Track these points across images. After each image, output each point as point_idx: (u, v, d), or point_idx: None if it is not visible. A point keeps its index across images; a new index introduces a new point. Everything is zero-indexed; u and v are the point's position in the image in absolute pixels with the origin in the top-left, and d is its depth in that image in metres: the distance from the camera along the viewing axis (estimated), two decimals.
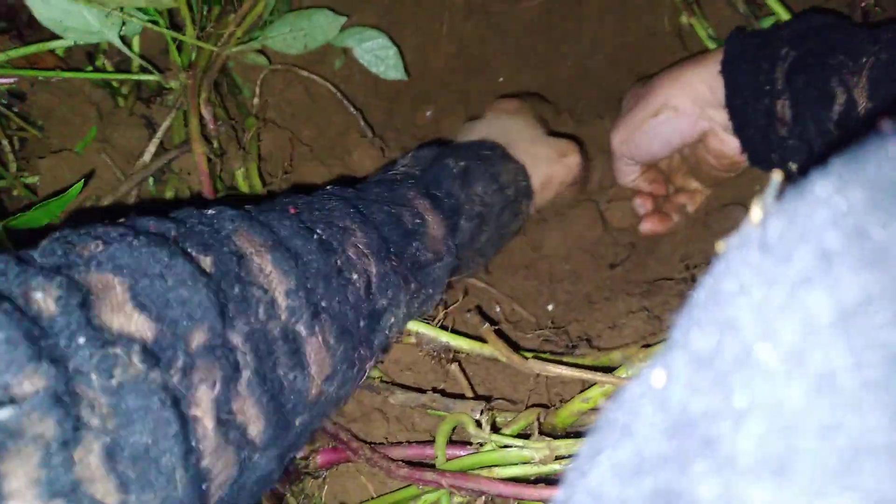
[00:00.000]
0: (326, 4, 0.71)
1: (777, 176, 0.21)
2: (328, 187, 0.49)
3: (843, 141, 0.51)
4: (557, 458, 0.46)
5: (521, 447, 0.46)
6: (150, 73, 0.66)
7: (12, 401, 0.27)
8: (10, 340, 0.28)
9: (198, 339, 0.34)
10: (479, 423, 0.49)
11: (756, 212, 0.21)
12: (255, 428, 0.36)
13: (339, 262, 0.43)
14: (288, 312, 0.39)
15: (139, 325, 0.32)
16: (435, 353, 0.58)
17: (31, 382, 0.28)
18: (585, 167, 0.72)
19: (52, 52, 0.66)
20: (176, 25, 0.68)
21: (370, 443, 0.54)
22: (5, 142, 0.63)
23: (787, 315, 0.19)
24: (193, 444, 0.32)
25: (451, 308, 0.62)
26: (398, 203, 0.52)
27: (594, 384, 0.49)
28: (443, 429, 0.50)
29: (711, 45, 0.73)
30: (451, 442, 0.52)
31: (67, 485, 0.28)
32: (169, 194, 0.63)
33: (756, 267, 0.20)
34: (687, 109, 0.62)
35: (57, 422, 0.28)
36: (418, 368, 0.61)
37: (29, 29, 0.66)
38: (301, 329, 0.39)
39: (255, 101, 0.70)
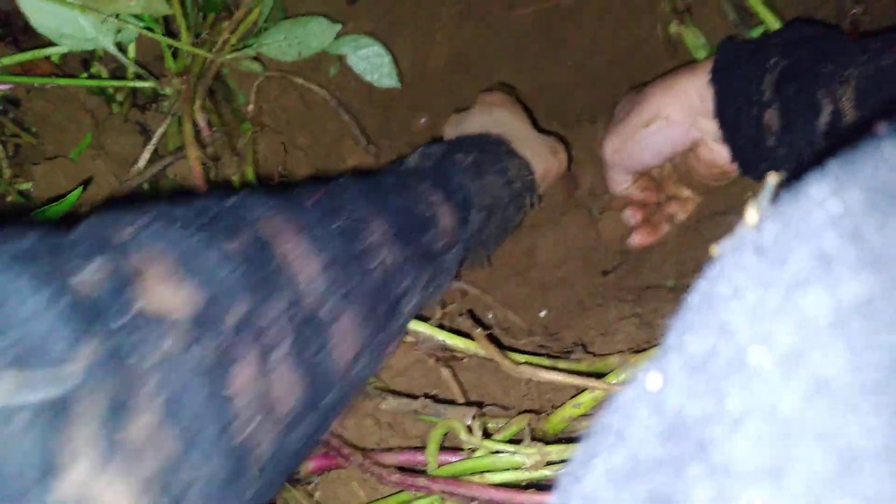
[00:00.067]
0: (321, 12, 0.71)
1: (772, 179, 0.21)
2: (341, 178, 0.50)
3: (830, 150, 0.51)
4: (548, 463, 0.45)
5: (513, 453, 0.46)
6: (145, 79, 0.66)
7: (64, 374, 0.27)
8: (60, 315, 0.28)
9: (235, 316, 0.34)
10: (470, 429, 0.49)
11: (751, 214, 0.21)
12: (290, 403, 0.37)
13: (359, 248, 0.44)
14: (316, 294, 0.39)
15: (179, 302, 0.33)
16: (431, 353, 0.58)
17: (82, 356, 0.28)
18: (569, 163, 0.72)
19: (47, 58, 0.65)
20: (172, 33, 0.67)
21: (362, 449, 0.53)
22: None
23: (783, 318, 0.18)
24: (233, 417, 0.33)
25: (447, 309, 0.61)
26: (412, 194, 0.53)
27: (585, 390, 0.49)
28: (434, 435, 0.49)
29: (700, 54, 0.73)
30: (443, 448, 0.51)
31: (127, 446, 0.28)
32: None
33: (751, 269, 0.20)
34: (678, 119, 0.62)
35: (109, 393, 0.28)
36: (411, 374, 0.61)
37: (24, 35, 0.66)
38: (328, 311, 0.40)
39: (250, 107, 0.69)
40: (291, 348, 0.37)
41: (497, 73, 0.82)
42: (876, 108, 0.47)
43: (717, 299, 0.20)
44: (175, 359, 0.31)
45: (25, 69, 0.65)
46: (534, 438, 0.49)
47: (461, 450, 0.50)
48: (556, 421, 0.49)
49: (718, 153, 0.62)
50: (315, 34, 0.69)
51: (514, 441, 0.48)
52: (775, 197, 0.21)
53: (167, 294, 0.32)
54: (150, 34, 0.63)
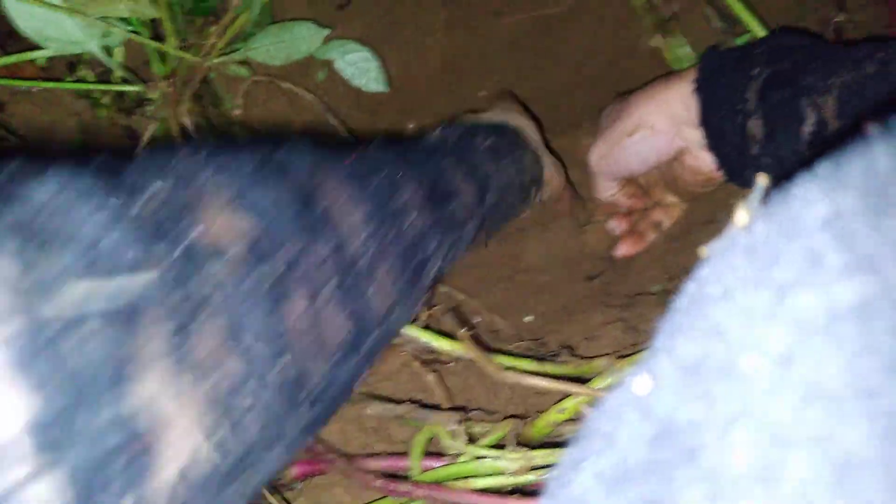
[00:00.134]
0: (309, 17, 0.70)
1: (762, 180, 0.20)
2: (375, 141, 0.50)
3: (817, 155, 0.51)
4: (532, 468, 0.45)
5: (496, 458, 0.45)
6: (132, 83, 0.65)
7: (132, 285, 0.27)
8: (127, 228, 0.28)
9: (287, 253, 0.34)
10: (454, 435, 0.48)
11: (741, 216, 0.20)
12: (337, 341, 0.37)
13: (394, 206, 0.44)
14: (356, 244, 0.40)
15: (235, 232, 0.33)
16: (417, 355, 0.57)
17: (149, 269, 0.28)
18: (567, 189, 0.72)
19: (32, 62, 0.64)
20: (159, 37, 0.66)
21: (346, 454, 0.52)
22: None
23: (775, 320, 0.18)
24: (287, 346, 0.33)
25: (433, 310, 0.61)
26: (438, 165, 0.54)
27: (570, 395, 0.48)
28: (418, 440, 0.49)
29: (682, 65, 0.72)
30: (427, 453, 0.50)
31: (196, 357, 0.28)
32: None
33: (742, 271, 0.19)
34: (663, 128, 0.61)
35: (174, 309, 0.28)
36: (396, 378, 0.60)
37: (10, 39, 0.64)
38: (367, 260, 0.40)
39: (238, 112, 0.69)
40: (336, 290, 0.37)
41: (486, 80, 0.82)
42: (858, 116, 0.47)
43: (707, 301, 0.19)
44: (234, 283, 0.31)
45: (11, 72, 0.64)
46: (518, 443, 0.48)
47: (445, 455, 0.49)
48: (541, 426, 0.48)
49: (703, 161, 0.61)
50: (303, 39, 0.68)
51: (499, 446, 0.48)
52: (765, 198, 0.20)
53: (224, 221, 0.32)
54: (137, 38, 0.62)
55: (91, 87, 0.66)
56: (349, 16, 0.76)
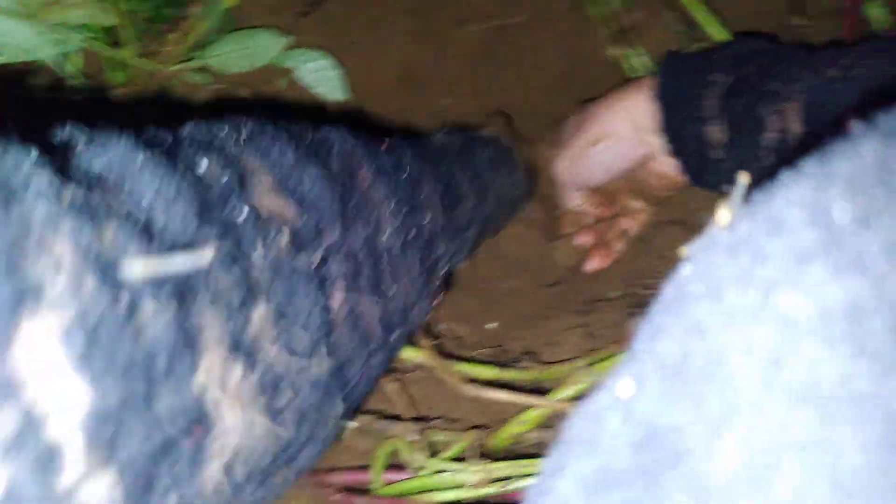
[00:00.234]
0: (270, 25, 0.68)
1: (743, 179, 0.19)
2: (395, 137, 0.49)
3: (784, 162, 0.51)
4: (494, 480, 0.44)
5: (458, 471, 0.45)
6: (88, 92, 0.63)
7: (193, 259, 0.26)
8: (189, 201, 0.27)
9: (331, 235, 0.34)
10: (415, 447, 0.47)
11: (722, 214, 0.19)
12: (372, 329, 0.37)
13: (417, 202, 0.44)
14: (386, 234, 0.40)
15: (285, 212, 0.32)
16: None
17: (209, 243, 0.27)
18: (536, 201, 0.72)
19: None
20: (117, 44, 0.64)
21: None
22: None
23: (762, 320, 0.17)
24: (333, 327, 0.33)
25: None
26: (447, 168, 0.53)
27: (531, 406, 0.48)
28: (379, 454, 0.48)
29: (639, 75, 0.72)
30: (390, 466, 0.50)
31: (248, 343, 0.28)
32: None
33: (724, 269, 0.18)
34: (626, 136, 0.61)
35: (236, 281, 0.28)
36: None
37: None
38: (396, 251, 0.40)
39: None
40: (371, 278, 0.37)
41: (447, 89, 0.81)
42: (824, 122, 0.46)
43: (688, 300, 0.18)
44: (287, 260, 0.31)
45: None
46: (480, 455, 0.48)
47: (407, 468, 0.49)
48: (503, 438, 0.48)
49: (668, 166, 0.61)
50: (264, 46, 0.67)
51: (460, 459, 0.47)
52: (747, 196, 0.19)
53: (271, 207, 0.32)
54: (94, 45, 0.61)
55: (46, 96, 0.64)
56: (310, 24, 0.74)
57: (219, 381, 0.26)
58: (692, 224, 0.66)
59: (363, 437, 0.55)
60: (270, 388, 0.29)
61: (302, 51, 0.69)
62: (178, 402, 0.24)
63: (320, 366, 0.32)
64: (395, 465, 0.49)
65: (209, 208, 0.28)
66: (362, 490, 0.49)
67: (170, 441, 0.24)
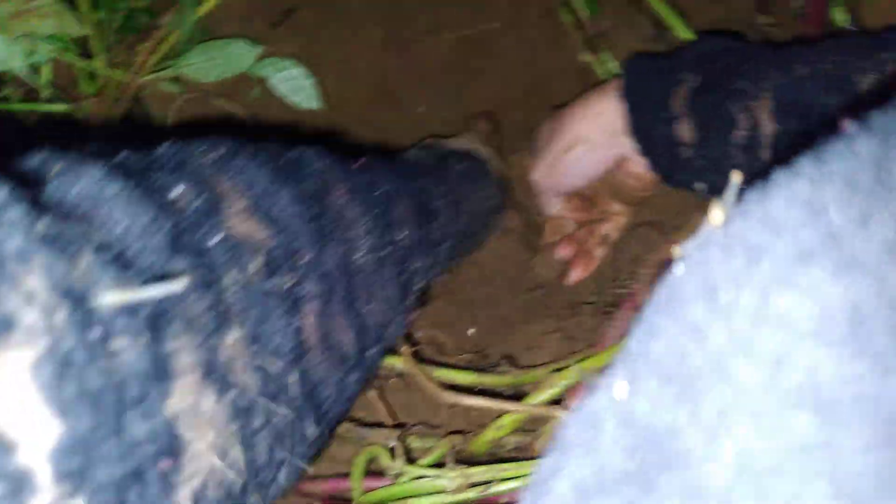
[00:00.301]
0: (243, 35, 0.67)
1: (735, 178, 0.19)
2: (368, 155, 0.48)
3: (755, 160, 0.48)
4: (472, 485, 0.44)
5: (436, 477, 0.44)
6: (60, 102, 0.62)
7: (165, 286, 0.26)
8: (161, 228, 0.27)
9: (304, 256, 0.34)
10: (394, 454, 0.47)
11: (716, 214, 0.18)
12: (346, 348, 0.36)
13: (392, 218, 0.44)
14: (361, 251, 0.39)
15: (260, 232, 0.32)
16: None
17: (182, 270, 0.27)
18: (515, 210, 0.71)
19: None
20: (88, 54, 0.63)
21: None
22: None
23: (761, 321, 0.16)
24: (307, 349, 0.33)
25: None
26: (420, 184, 0.53)
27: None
28: (358, 462, 0.47)
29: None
30: (369, 473, 0.49)
31: (220, 369, 0.27)
32: None
33: (720, 269, 0.17)
34: (599, 140, 0.60)
35: (209, 307, 0.28)
36: None
37: None
38: (371, 269, 0.40)
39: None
40: (346, 298, 0.37)
41: (422, 97, 0.81)
42: (796, 119, 0.46)
43: (683, 300, 0.18)
44: (259, 284, 0.30)
45: None
46: (460, 460, 0.47)
47: (387, 475, 0.48)
48: (481, 443, 0.48)
49: (643, 166, 0.60)
50: (236, 56, 0.66)
51: (439, 465, 0.47)
52: (740, 195, 0.19)
53: (243, 231, 0.32)
54: (64, 56, 0.60)
55: (16, 107, 0.62)
56: (284, 34, 0.73)
57: (191, 406, 0.26)
58: (666, 226, 0.66)
59: (343, 445, 0.55)
60: (243, 412, 0.29)
61: (275, 60, 0.69)
62: (150, 429, 0.24)
63: (293, 389, 0.31)
64: (375, 473, 0.49)
65: (182, 235, 0.28)
66: (343, 499, 0.48)
67: (141, 467, 0.24)
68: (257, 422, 0.29)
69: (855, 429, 0.15)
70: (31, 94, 0.64)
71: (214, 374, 0.27)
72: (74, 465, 0.22)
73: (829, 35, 0.63)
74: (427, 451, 0.49)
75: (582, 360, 0.52)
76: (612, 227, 0.69)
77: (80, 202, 0.26)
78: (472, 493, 0.44)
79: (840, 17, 0.65)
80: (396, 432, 0.51)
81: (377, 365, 0.43)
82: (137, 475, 0.24)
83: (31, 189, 0.25)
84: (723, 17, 0.70)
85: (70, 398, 0.22)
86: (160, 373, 0.25)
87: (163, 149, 0.33)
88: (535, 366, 0.57)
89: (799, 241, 0.17)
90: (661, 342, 0.18)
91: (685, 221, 0.62)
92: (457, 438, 0.49)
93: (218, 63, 0.66)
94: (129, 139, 0.32)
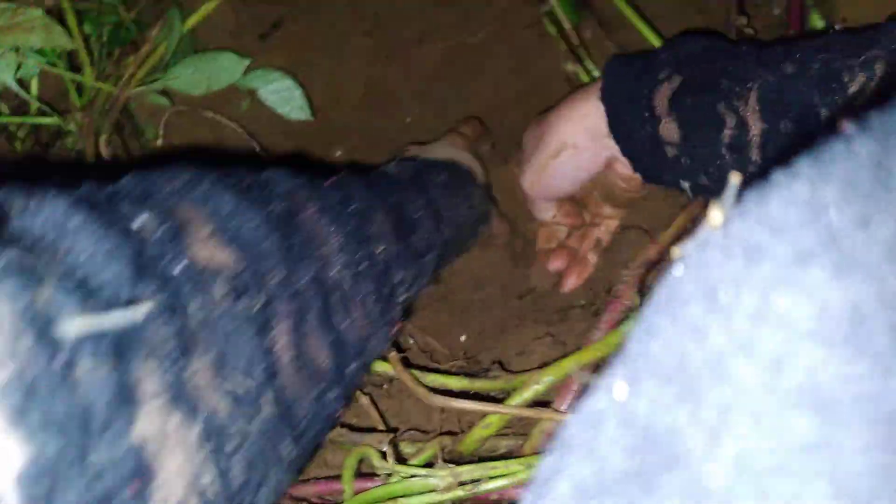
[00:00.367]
0: (231, 47, 0.67)
1: (734, 179, 0.18)
2: (345, 171, 0.49)
3: (744, 159, 0.48)
4: (461, 483, 0.44)
5: (425, 476, 0.44)
6: (49, 115, 0.62)
7: (130, 315, 0.26)
8: (124, 258, 0.27)
9: (274, 277, 0.34)
10: (384, 455, 0.47)
11: (714, 215, 0.18)
12: (322, 366, 0.36)
13: (368, 233, 0.44)
14: (336, 268, 0.39)
15: (226, 256, 0.32)
16: None
17: (146, 298, 0.27)
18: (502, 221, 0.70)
19: None
20: (77, 67, 0.64)
21: None
22: None
23: (761, 322, 0.16)
24: (279, 370, 0.32)
25: None
26: (401, 196, 0.52)
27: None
28: (348, 463, 0.47)
29: None
30: (360, 475, 0.49)
31: (188, 393, 0.28)
32: None
33: (720, 270, 0.17)
34: (585, 144, 0.59)
35: (174, 334, 0.28)
36: None
37: None
38: (347, 285, 0.40)
39: (159, 142, 0.66)
40: (321, 314, 0.37)
41: (409, 107, 0.81)
42: (784, 118, 0.46)
43: (683, 301, 0.18)
44: (219, 317, 0.30)
45: None
46: (450, 460, 0.47)
47: (378, 476, 0.48)
48: (470, 442, 0.48)
49: (630, 167, 0.58)
50: (224, 68, 0.66)
51: (429, 465, 0.47)
52: (739, 197, 0.18)
53: (209, 252, 0.32)
54: (52, 69, 0.60)
55: (6, 120, 0.62)
56: (271, 46, 0.73)
57: (159, 431, 0.26)
58: (655, 230, 0.66)
59: (335, 451, 0.54)
60: (216, 435, 0.29)
61: (264, 72, 0.69)
62: (117, 454, 0.25)
63: (267, 410, 0.31)
64: (366, 474, 0.49)
65: (145, 263, 0.29)
66: (335, 501, 0.48)
67: (109, 492, 0.24)
68: (231, 444, 0.29)
69: (855, 429, 0.15)
70: (20, 107, 0.64)
71: (181, 398, 0.27)
72: (41, 490, 0.22)
73: (815, 33, 0.63)
74: (418, 452, 0.49)
75: (565, 357, 0.52)
76: (603, 233, 0.68)
77: (44, 233, 0.27)
78: (461, 492, 0.44)
79: (818, 24, 0.66)
80: (389, 436, 0.51)
81: (359, 380, 0.43)
82: (106, 499, 0.24)
83: None
84: (698, 17, 0.71)
85: (36, 424, 0.22)
86: (124, 399, 0.25)
87: (126, 179, 0.33)
88: (525, 370, 0.56)
89: (798, 242, 0.17)
90: (660, 342, 0.18)
91: (671, 223, 0.62)
92: (446, 439, 0.49)
93: (206, 75, 0.66)
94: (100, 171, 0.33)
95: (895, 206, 0.17)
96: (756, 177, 0.18)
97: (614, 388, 0.18)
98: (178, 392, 0.27)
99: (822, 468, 0.15)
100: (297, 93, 0.69)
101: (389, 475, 0.46)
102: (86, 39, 0.61)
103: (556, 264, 0.68)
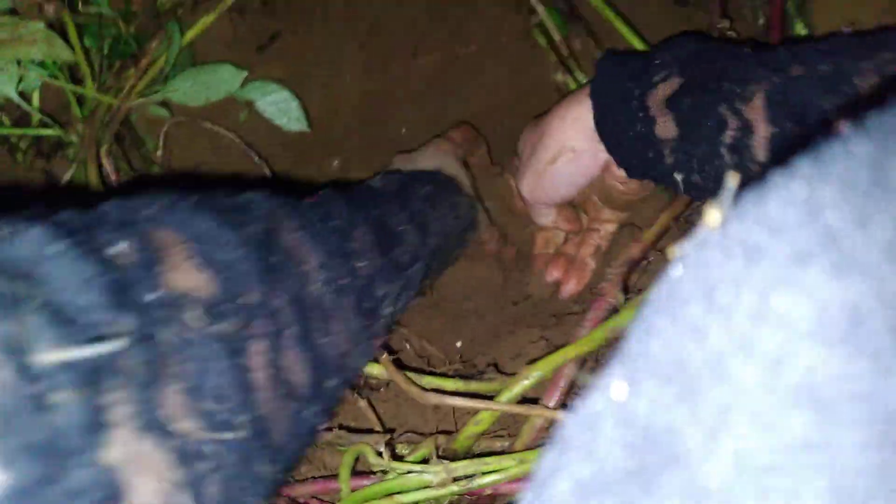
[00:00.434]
0: (229, 60, 0.67)
1: (733, 179, 0.18)
2: (326, 188, 0.49)
3: (748, 163, 0.46)
4: (455, 479, 0.44)
5: (420, 472, 0.44)
6: (50, 127, 0.63)
7: (104, 338, 0.27)
8: (99, 285, 0.28)
9: (250, 297, 0.34)
10: (380, 453, 0.47)
11: (713, 215, 0.18)
12: (301, 383, 0.36)
13: (349, 248, 0.44)
14: (316, 285, 0.39)
15: (200, 280, 0.32)
16: None
17: (120, 326, 0.28)
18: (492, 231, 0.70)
19: None
20: (78, 80, 0.64)
21: None
22: None
23: (760, 321, 0.16)
24: (254, 389, 0.32)
25: None
26: (384, 210, 0.52)
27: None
28: (345, 461, 0.47)
29: None
30: (357, 473, 0.49)
31: (161, 419, 0.28)
32: None
33: (719, 270, 0.17)
34: (584, 147, 0.57)
35: (147, 361, 0.28)
36: None
37: None
38: (328, 301, 0.40)
39: (159, 152, 0.67)
40: (300, 332, 0.37)
41: (405, 117, 0.82)
42: (794, 120, 0.44)
43: (683, 301, 0.17)
44: (194, 341, 0.31)
45: None
46: (444, 457, 0.48)
47: (374, 474, 0.48)
48: (463, 439, 0.48)
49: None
50: (223, 80, 0.66)
51: (424, 462, 0.47)
52: (737, 197, 0.18)
53: (185, 277, 0.32)
54: (53, 81, 0.61)
55: (8, 131, 0.63)
56: (268, 58, 0.74)
57: (132, 455, 0.27)
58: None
59: (333, 453, 0.55)
60: (191, 458, 0.29)
61: (261, 84, 0.69)
62: (90, 478, 0.25)
63: (242, 431, 0.31)
64: (362, 473, 0.49)
65: (121, 291, 0.29)
66: (331, 501, 0.48)
67: None
68: (206, 466, 0.30)
69: (853, 428, 0.15)
70: (22, 119, 0.64)
71: (154, 423, 0.28)
72: None
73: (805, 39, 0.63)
74: (413, 451, 0.49)
75: (551, 353, 0.52)
76: (602, 237, 0.67)
77: (21, 262, 0.27)
78: (455, 487, 0.44)
79: (802, 32, 0.66)
80: (382, 437, 0.51)
81: (341, 393, 0.43)
82: None
83: None
84: (683, 20, 0.71)
85: (13, 450, 0.23)
86: (96, 425, 0.26)
87: (105, 206, 0.34)
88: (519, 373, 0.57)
89: (797, 242, 0.17)
90: (660, 342, 0.18)
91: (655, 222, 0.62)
92: (441, 438, 0.49)
93: (205, 87, 0.66)
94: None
95: (894, 206, 0.17)
96: (756, 178, 0.19)
97: (613, 387, 0.18)
98: (150, 417, 0.28)
99: (821, 467, 0.15)
100: (294, 104, 0.70)
101: (385, 472, 0.46)
102: (87, 52, 0.61)
103: (554, 274, 0.67)
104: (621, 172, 0.58)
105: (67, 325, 0.26)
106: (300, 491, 0.48)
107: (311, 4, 0.78)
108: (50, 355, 0.25)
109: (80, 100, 0.62)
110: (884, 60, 0.41)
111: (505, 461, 0.44)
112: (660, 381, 0.17)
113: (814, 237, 0.17)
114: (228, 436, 0.31)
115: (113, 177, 0.61)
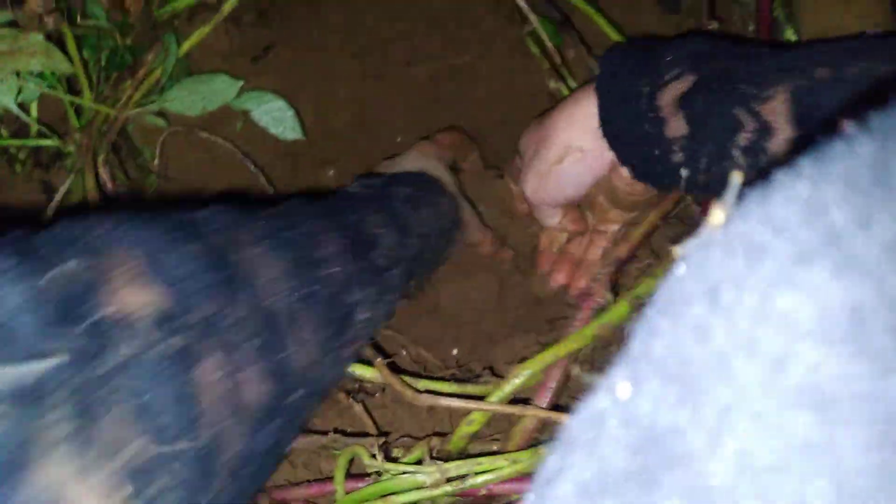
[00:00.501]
0: (224, 70, 0.68)
1: (736, 178, 0.18)
2: (293, 199, 0.48)
3: (766, 164, 0.45)
4: (449, 479, 0.44)
5: (414, 472, 0.44)
6: (49, 137, 0.63)
7: (35, 368, 0.26)
8: (33, 311, 0.27)
9: (199, 315, 0.33)
10: (374, 455, 0.47)
11: (716, 214, 0.18)
12: (257, 402, 0.35)
13: (314, 257, 0.43)
14: (275, 297, 0.38)
15: (145, 302, 0.31)
16: (341, 386, 0.56)
17: (53, 352, 0.27)
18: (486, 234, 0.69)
19: None
20: (76, 91, 0.65)
21: (268, 487, 0.50)
22: None
23: (763, 321, 0.16)
24: (199, 414, 0.32)
25: None
26: (359, 215, 0.51)
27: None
28: (340, 463, 0.47)
29: None
30: (352, 475, 0.49)
31: (105, 438, 0.28)
32: None
33: (722, 270, 0.17)
34: (591, 146, 0.56)
35: (78, 391, 0.27)
36: (324, 414, 0.59)
37: None
38: (288, 314, 0.39)
39: (156, 162, 0.67)
40: (256, 348, 0.36)
41: (400, 126, 0.82)
42: (819, 124, 0.42)
43: (685, 301, 0.17)
44: (140, 358, 0.30)
45: None
46: (440, 459, 0.48)
47: (369, 476, 0.48)
48: (456, 440, 0.48)
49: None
50: (218, 90, 0.67)
51: (418, 463, 0.47)
52: (741, 196, 0.18)
53: (134, 294, 0.31)
54: (52, 92, 0.61)
55: (7, 142, 0.64)
56: (264, 69, 0.74)
57: (73, 474, 0.27)
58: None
59: (329, 457, 0.55)
60: (136, 477, 0.29)
61: (257, 93, 0.70)
62: (27, 498, 0.25)
63: (193, 448, 0.31)
64: (357, 475, 0.49)
65: (65, 310, 0.29)
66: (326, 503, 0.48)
67: None
68: (154, 486, 0.29)
69: (855, 428, 0.15)
70: (21, 130, 0.65)
71: (93, 443, 0.27)
72: None
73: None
74: (406, 452, 0.50)
75: (541, 351, 0.52)
76: (609, 238, 0.65)
77: None
78: (449, 487, 0.44)
79: (792, 38, 0.67)
80: (377, 439, 0.51)
81: (309, 405, 0.42)
82: None
83: None
84: (673, 21, 0.72)
85: None
86: (31, 447, 0.26)
87: (56, 225, 0.33)
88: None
89: (800, 241, 0.17)
90: (662, 342, 0.18)
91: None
92: (435, 440, 0.49)
93: (201, 97, 0.67)
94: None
95: (895, 206, 0.17)
96: (762, 178, 0.18)
97: (617, 388, 0.18)
98: (89, 436, 0.27)
99: (823, 467, 0.15)
100: (290, 113, 0.70)
101: (380, 474, 0.46)
102: (85, 64, 0.62)
103: (558, 279, 0.66)
104: (625, 172, 0.56)
105: (9, 343, 0.26)
106: (295, 494, 0.48)
107: (305, 15, 0.79)
108: None
109: (78, 110, 0.62)
110: None
111: (498, 461, 0.44)
112: (663, 381, 0.17)
113: (816, 237, 0.17)
114: (178, 453, 0.30)
115: (109, 186, 0.61)
